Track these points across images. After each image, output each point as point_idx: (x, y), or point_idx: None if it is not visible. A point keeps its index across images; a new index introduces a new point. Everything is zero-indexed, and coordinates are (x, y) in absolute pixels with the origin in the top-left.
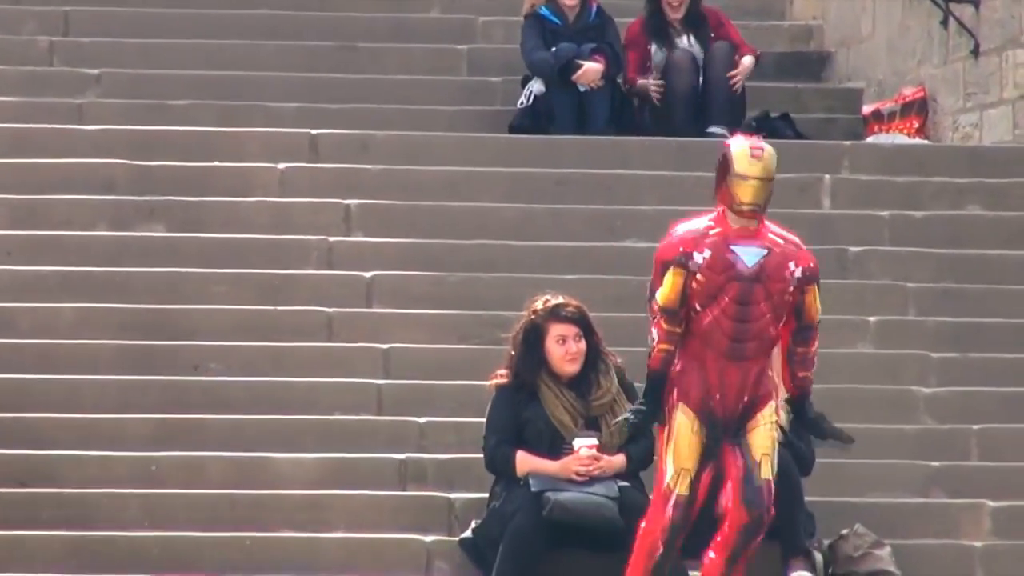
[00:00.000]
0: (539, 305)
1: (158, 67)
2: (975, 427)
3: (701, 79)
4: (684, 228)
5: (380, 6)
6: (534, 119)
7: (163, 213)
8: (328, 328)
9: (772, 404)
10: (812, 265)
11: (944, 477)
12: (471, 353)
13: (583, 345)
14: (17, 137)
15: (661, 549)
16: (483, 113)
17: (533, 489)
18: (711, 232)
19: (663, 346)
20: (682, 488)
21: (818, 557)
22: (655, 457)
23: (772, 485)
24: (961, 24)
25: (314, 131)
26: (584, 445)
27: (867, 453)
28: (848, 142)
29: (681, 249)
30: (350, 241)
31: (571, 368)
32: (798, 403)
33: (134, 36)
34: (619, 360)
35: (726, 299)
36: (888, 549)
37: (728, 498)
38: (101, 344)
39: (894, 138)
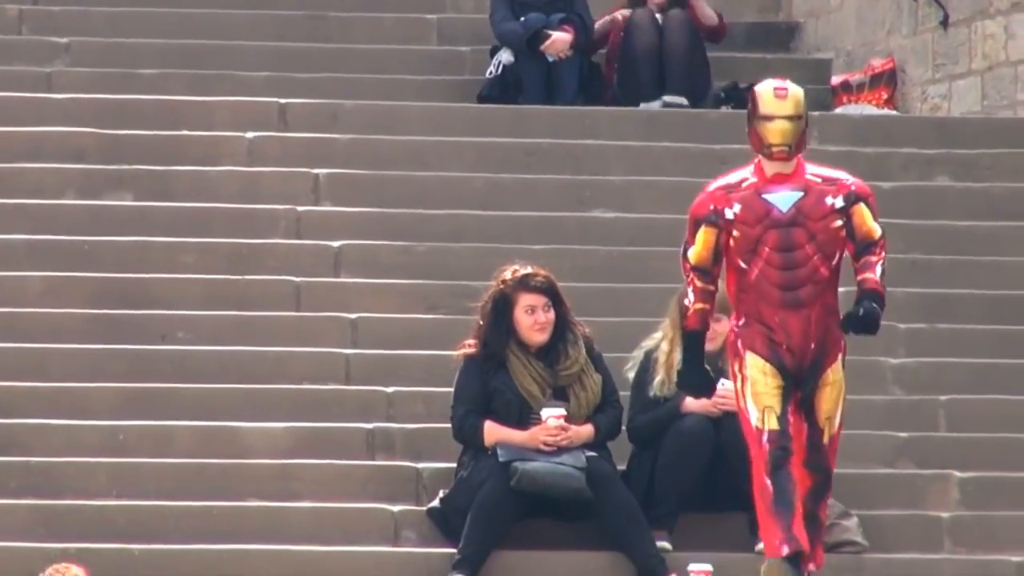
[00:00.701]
0: (508, 275)
1: (127, 36)
2: (943, 398)
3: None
4: (718, 183)
5: None
6: (503, 89)
7: (132, 182)
8: (296, 298)
9: (840, 357)
10: (854, 188)
11: (912, 448)
12: (439, 323)
13: (552, 315)
14: None
15: (770, 488)
16: (452, 83)
17: (501, 459)
18: (744, 184)
19: (699, 305)
20: (771, 424)
21: None
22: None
23: (835, 444)
24: None
25: (283, 100)
26: (552, 415)
27: None
28: (816, 113)
29: (712, 207)
30: (318, 211)
31: (540, 338)
32: (863, 295)
33: (103, 5)
34: (587, 330)
35: (767, 249)
36: (855, 519)
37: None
38: (69, 313)
39: (863, 109)
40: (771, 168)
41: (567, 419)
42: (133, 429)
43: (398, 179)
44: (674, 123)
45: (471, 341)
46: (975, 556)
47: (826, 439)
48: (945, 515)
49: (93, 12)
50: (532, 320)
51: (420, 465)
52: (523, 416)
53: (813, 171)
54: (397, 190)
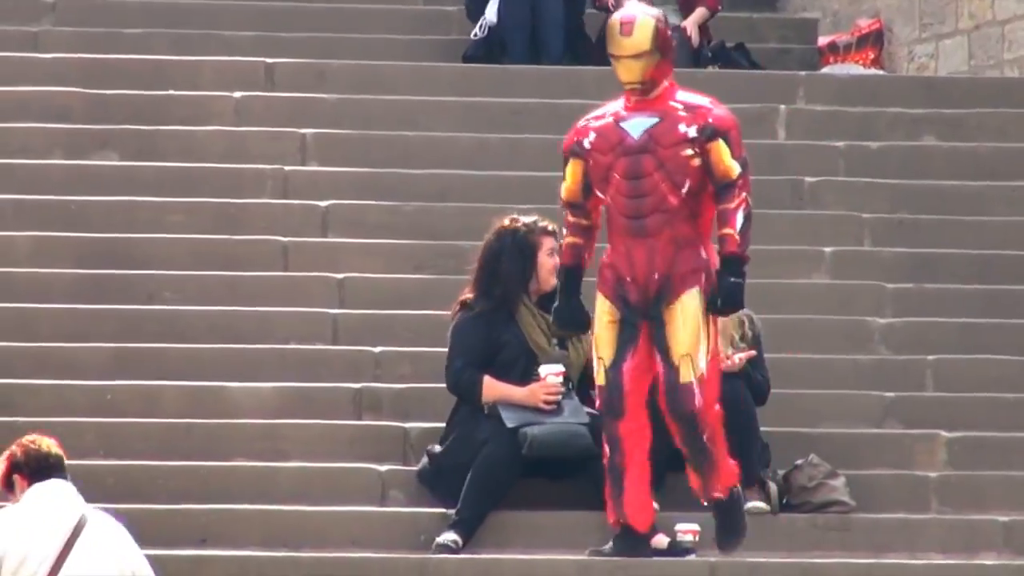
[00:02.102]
0: (525, 221)
1: None
2: (930, 358)
3: None
4: (586, 116)
5: None
6: (488, 50)
7: (118, 142)
8: (283, 257)
9: (695, 291)
10: (711, 120)
11: (899, 408)
12: (426, 282)
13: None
14: None
15: (606, 455)
16: (439, 43)
17: (509, 424)
18: (608, 113)
19: (570, 239)
20: (599, 378)
21: (772, 487)
22: None
23: (696, 385)
24: None
25: (270, 60)
26: (551, 372)
27: (822, 384)
28: (803, 72)
29: (575, 139)
30: (306, 171)
31: (554, 281)
32: (721, 266)
33: None
34: None
35: (616, 177)
36: (842, 479)
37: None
38: (56, 273)
39: (850, 69)
40: (633, 97)
41: (565, 375)
42: (121, 389)
43: (385, 139)
44: None
45: (470, 295)
46: (962, 516)
47: (683, 379)
48: (932, 475)
49: None
50: (553, 263)
51: (407, 425)
52: (527, 371)
53: (680, 98)
54: (384, 150)
